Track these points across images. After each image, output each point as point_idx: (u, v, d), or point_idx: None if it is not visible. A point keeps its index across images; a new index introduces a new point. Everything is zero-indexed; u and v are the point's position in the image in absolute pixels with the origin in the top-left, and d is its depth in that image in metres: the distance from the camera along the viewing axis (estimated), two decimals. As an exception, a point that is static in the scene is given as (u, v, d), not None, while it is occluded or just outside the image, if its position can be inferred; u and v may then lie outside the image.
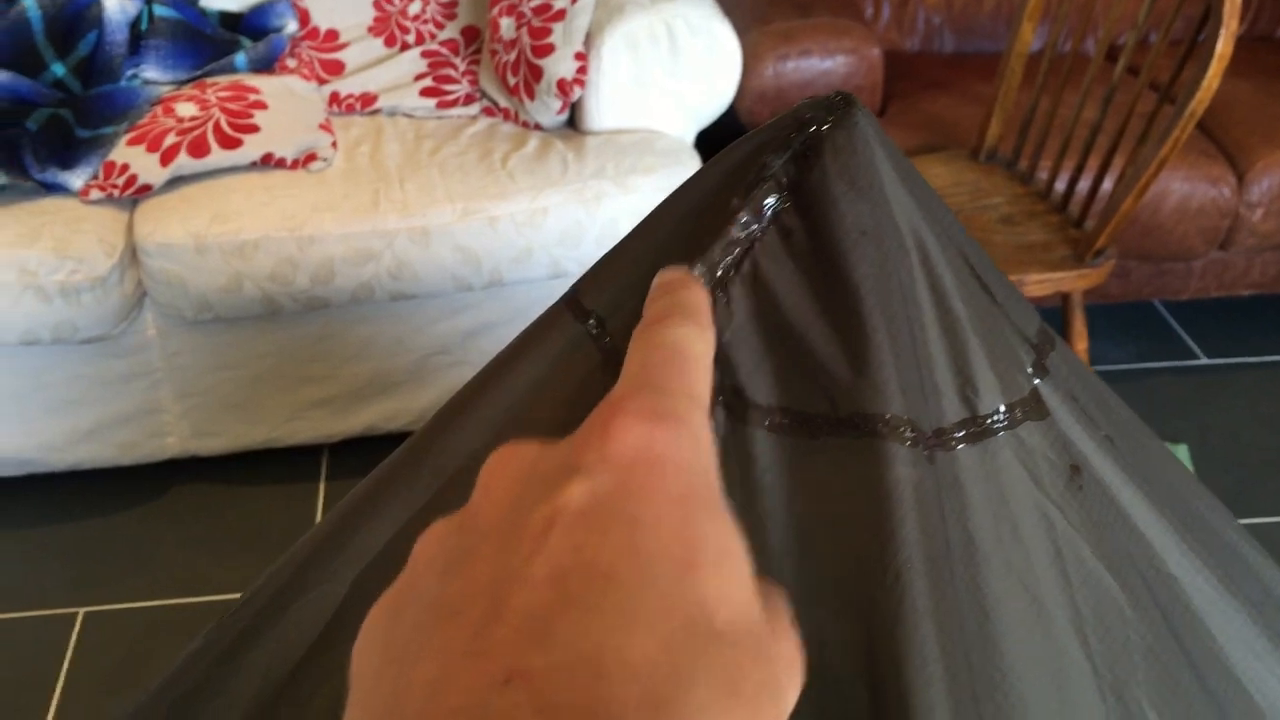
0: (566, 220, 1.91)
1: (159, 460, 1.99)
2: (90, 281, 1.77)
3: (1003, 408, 0.43)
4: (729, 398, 0.42)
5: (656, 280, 0.33)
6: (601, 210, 1.92)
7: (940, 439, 0.42)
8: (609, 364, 0.46)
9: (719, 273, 0.43)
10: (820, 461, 0.41)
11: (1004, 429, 0.43)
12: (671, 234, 0.46)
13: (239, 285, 1.84)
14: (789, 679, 0.25)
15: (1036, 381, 0.45)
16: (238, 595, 0.87)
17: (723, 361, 0.42)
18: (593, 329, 0.46)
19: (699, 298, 0.32)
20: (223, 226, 1.82)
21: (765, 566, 0.44)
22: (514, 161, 1.97)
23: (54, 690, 1.69)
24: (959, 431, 0.42)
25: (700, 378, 0.29)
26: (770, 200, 0.43)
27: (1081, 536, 0.43)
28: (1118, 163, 1.96)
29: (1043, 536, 0.42)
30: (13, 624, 1.80)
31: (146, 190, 1.86)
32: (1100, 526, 0.44)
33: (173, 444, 1.99)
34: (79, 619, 1.80)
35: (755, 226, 0.43)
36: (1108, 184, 1.99)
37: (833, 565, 0.40)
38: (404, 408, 2.06)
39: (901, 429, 0.39)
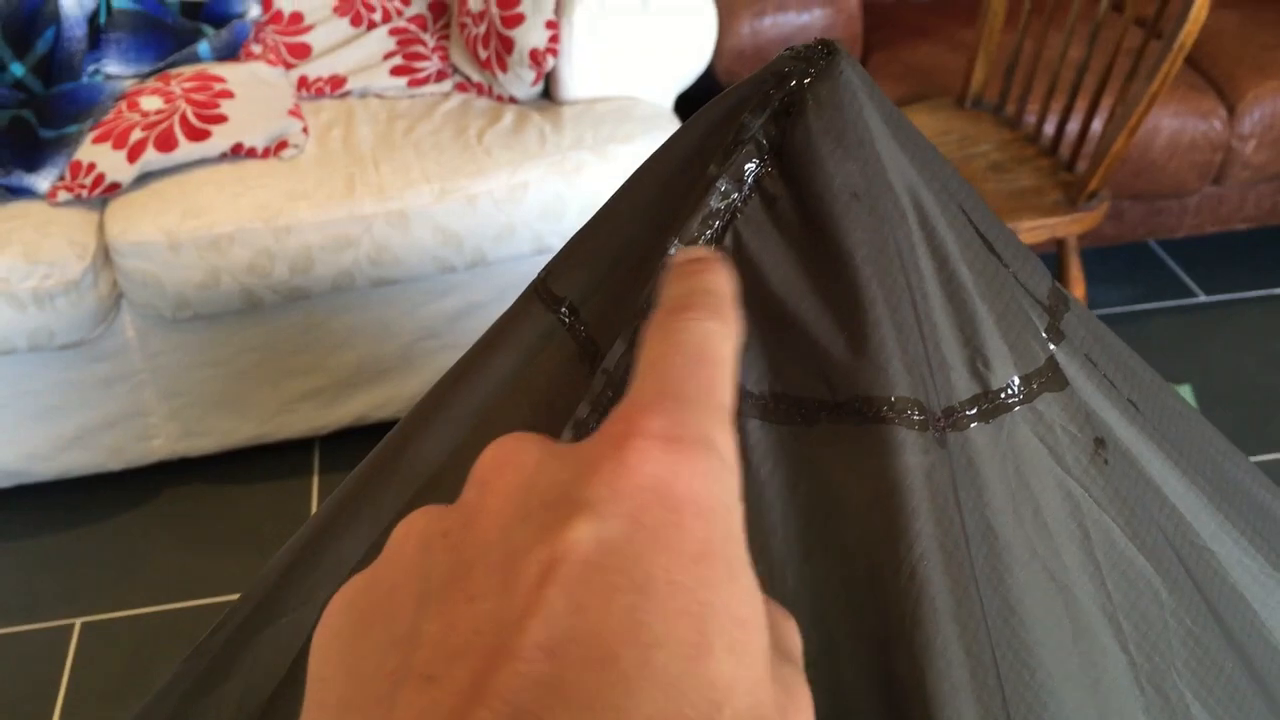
0: (547, 194, 1.87)
1: (148, 464, 1.95)
2: (63, 286, 1.73)
3: (1017, 380, 0.39)
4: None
5: (676, 258, 0.29)
6: (583, 181, 1.88)
7: (951, 418, 0.38)
8: (585, 355, 0.42)
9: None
10: (820, 451, 0.37)
11: (1019, 403, 0.39)
12: (644, 209, 0.42)
13: (216, 280, 1.79)
14: None
15: (1052, 348, 0.41)
16: (236, 596, 0.83)
17: None
18: (565, 317, 0.42)
19: (724, 284, 0.27)
20: (196, 221, 1.78)
21: (768, 570, 0.41)
22: (490, 137, 1.93)
23: (56, 703, 1.66)
24: (971, 409, 0.38)
25: (728, 385, 0.25)
26: (750, 165, 0.39)
27: (1109, 515, 0.39)
28: (1106, 102, 1.91)
29: (1068, 518, 0.39)
30: (10, 639, 1.77)
31: (115, 189, 1.81)
32: (1129, 502, 0.40)
33: (160, 446, 1.95)
34: (76, 630, 1.77)
35: (735, 195, 0.39)
36: (1097, 124, 1.94)
37: (841, 566, 0.37)
38: (394, 394, 2.02)
39: (908, 411, 0.36)
